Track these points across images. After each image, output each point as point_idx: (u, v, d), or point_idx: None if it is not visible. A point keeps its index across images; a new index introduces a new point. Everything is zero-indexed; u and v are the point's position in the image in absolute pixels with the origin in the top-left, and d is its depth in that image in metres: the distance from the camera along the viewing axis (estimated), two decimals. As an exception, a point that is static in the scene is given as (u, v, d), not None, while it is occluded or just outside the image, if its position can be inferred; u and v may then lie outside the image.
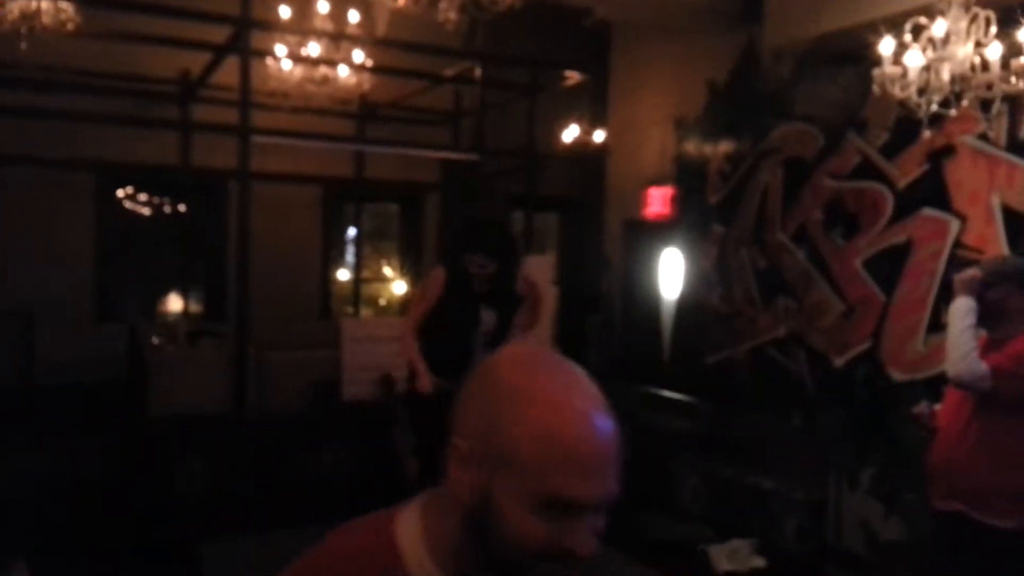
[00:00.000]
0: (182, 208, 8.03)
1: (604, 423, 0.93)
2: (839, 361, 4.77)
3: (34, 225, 6.92)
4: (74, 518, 4.63)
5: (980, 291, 2.92)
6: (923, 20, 3.08)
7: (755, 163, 5.45)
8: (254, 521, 4.57)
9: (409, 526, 0.99)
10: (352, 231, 8.93)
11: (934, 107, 3.15)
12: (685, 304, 6.01)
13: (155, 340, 5.89)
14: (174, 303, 8.02)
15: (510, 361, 0.97)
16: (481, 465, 0.91)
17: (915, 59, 3.08)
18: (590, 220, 7.17)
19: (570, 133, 6.62)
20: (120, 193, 7.85)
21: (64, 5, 4.39)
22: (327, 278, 8.57)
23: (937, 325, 4.21)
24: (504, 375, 0.95)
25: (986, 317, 2.90)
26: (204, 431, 5.11)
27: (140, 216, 8.05)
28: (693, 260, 5.94)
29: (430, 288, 4.02)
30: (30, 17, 4.07)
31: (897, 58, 3.14)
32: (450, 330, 3.90)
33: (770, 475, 4.71)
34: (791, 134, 5.17)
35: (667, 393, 5.83)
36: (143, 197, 8.04)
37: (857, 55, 4.59)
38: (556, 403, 0.92)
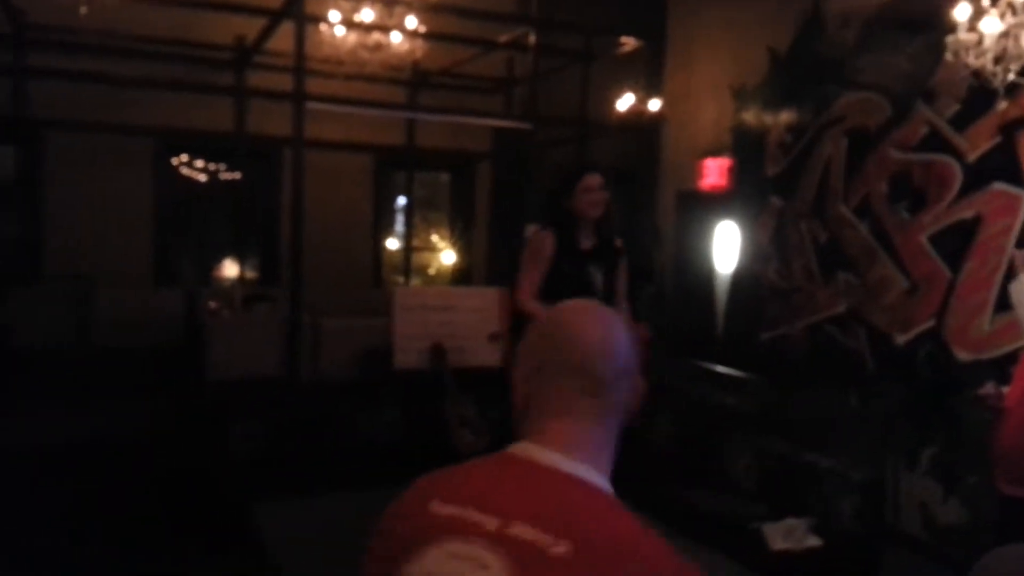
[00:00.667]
0: (238, 175, 8.13)
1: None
2: (901, 339, 4.64)
3: (93, 191, 7.07)
4: (132, 478, 4.76)
5: None
6: (1003, -17, 2.93)
7: (817, 134, 5.29)
8: (306, 483, 4.64)
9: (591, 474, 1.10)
10: (402, 200, 8.94)
11: (1011, 76, 3.01)
12: (740, 278, 5.90)
13: (212, 305, 5.99)
14: (230, 269, 8.15)
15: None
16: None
17: (993, 25, 2.94)
18: (644, 191, 7.06)
19: (625, 102, 6.50)
20: (176, 160, 7.96)
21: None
22: (378, 246, 8.62)
23: (1005, 304, 4.07)
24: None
25: None
26: (258, 394, 5.20)
27: (197, 182, 8.17)
28: (749, 233, 5.82)
29: (542, 250, 3.74)
30: (91, -18, 4.10)
31: (973, 24, 3.00)
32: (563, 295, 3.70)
33: (826, 454, 4.62)
34: (856, 104, 5.00)
35: (720, 368, 5.75)
36: (199, 164, 8.15)
37: (927, 21, 4.42)
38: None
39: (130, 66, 6.58)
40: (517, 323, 3.92)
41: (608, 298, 3.78)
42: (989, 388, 2.99)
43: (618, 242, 4.02)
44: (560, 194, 3.78)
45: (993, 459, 2.95)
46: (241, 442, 5.08)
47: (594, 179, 3.72)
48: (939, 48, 3.16)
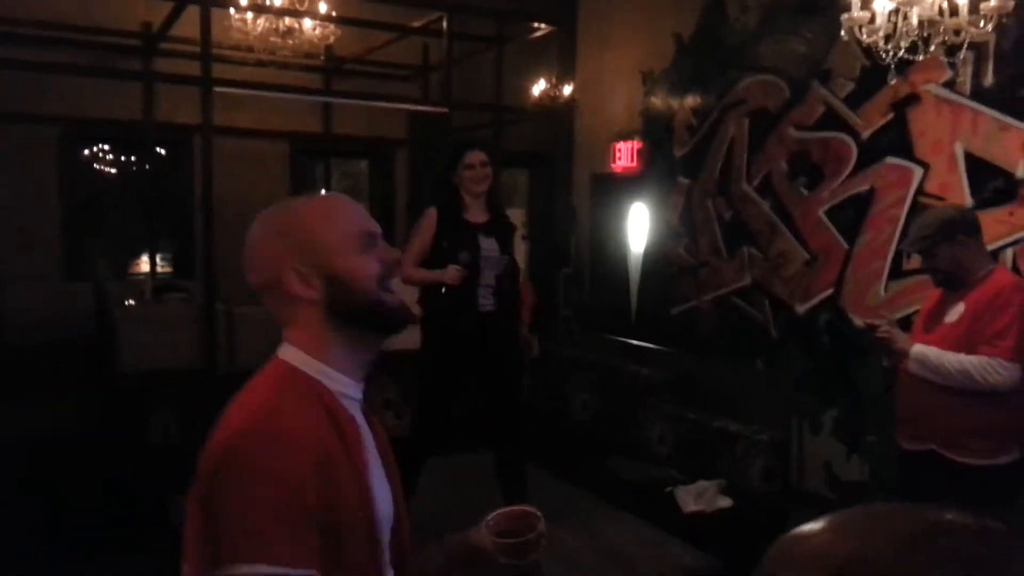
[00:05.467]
0: (148, 166, 7.90)
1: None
2: (802, 308, 4.87)
3: (-2, 182, 6.78)
4: (46, 473, 4.62)
5: (928, 265, 2.95)
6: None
7: (721, 116, 5.48)
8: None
9: (294, 355, 1.20)
10: (323, 192, 8.86)
11: (901, 53, 3.18)
12: (652, 256, 6.08)
13: (129, 301, 5.83)
14: (143, 262, 7.94)
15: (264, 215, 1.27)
16: (305, 264, 1.20)
17: (884, 3, 3.10)
18: (559, 175, 7.18)
19: (538, 87, 6.60)
20: (85, 150, 7.70)
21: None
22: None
23: (899, 272, 4.31)
24: (270, 218, 1.26)
25: (948, 282, 2.91)
26: (174, 386, 5.10)
27: (106, 173, 7.92)
28: (660, 213, 6.00)
29: (423, 228, 3.87)
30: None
31: (866, 3, 3.16)
32: (449, 265, 3.74)
33: (736, 419, 4.83)
34: (756, 86, 5.21)
35: (634, 342, 5.92)
36: (108, 156, 7.90)
37: (822, 4, 4.63)
38: (315, 199, 1.32)
39: (34, 52, 6.33)
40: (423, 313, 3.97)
41: (506, 277, 3.88)
42: (883, 324, 3.06)
43: (508, 216, 4.15)
44: (447, 172, 3.88)
45: (895, 417, 3.08)
46: (158, 434, 4.98)
47: (475, 156, 3.84)
48: (834, 30, 3.29)
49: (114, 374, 5.27)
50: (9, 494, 4.22)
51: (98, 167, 7.89)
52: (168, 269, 8.09)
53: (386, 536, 1.20)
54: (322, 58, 7.40)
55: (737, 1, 5.34)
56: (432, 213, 3.87)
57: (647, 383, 5.40)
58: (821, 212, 4.76)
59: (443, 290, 3.75)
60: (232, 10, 5.67)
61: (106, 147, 7.88)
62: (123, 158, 7.98)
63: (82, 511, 4.23)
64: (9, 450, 4.62)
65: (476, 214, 3.86)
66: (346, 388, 1.22)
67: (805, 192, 4.87)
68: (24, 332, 6.35)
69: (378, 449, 1.27)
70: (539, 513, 1.31)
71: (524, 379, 4.37)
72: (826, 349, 4.68)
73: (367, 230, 1.24)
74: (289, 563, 1.03)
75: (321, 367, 1.20)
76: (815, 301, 4.79)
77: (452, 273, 3.71)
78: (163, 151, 7.97)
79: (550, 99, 6.56)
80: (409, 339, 5.29)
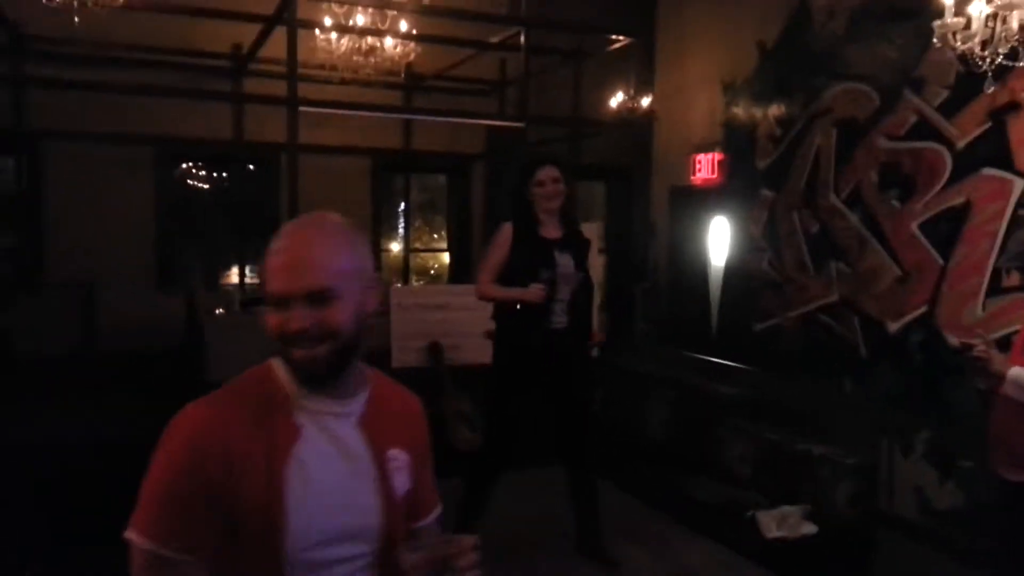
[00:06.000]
0: (238, 182, 8.18)
1: (305, 235, 1.28)
2: (894, 327, 4.66)
3: (94, 199, 7.12)
4: (133, 482, 4.79)
5: None
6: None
7: (807, 125, 5.32)
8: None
9: (279, 361, 1.29)
10: (404, 204, 9.04)
11: (999, 60, 3.02)
12: (733, 271, 5.93)
13: (219, 311, 6.03)
14: (233, 274, 8.23)
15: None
16: None
17: (980, 7, 2.95)
18: (637, 188, 7.10)
19: (616, 100, 6.54)
20: (177, 168, 8.03)
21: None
22: (378, 249, 8.67)
23: (998, 289, 4.09)
24: None
25: None
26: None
27: (198, 189, 8.23)
28: (742, 226, 5.85)
29: (498, 243, 3.82)
30: (82, -10, 4.15)
31: (960, 8, 3.02)
32: (526, 281, 3.69)
33: (821, 441, 4.64)
34: (844, 94, 5.04)
35: (714, 359, 5.78)
36: (200, 172, 8.21)
37: (913, 9, 4.45)
38: (280, 232, 1.29)
39: (128, 75, 6.63)
40: (495, 328, 3.96)
41: (581, 291, 3.83)
42: (979, 344, 2.87)
43: (582, 232, 4.09)
44: (519, 188, 3.86)
45: (990, 444, 2.88)
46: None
47: (545, 172, 3.78)
48: (926, 36, 3.16)
49: (202, 383, 5.45)
50: (89, 501, 4.39)
51: (191, 183, 8.21)
52: (257, 281, 8.36)
53: (300, 547, 1.20)
54: (402, 75, 7.52)
55: (823, 7, 5.19)
56: (507, 228, 3.83)
57: (727, 401, 5.25)
58: (914, 226, 4.56)
59: (518, 307, 3.73)
60: (317, 31, 5.83)
61: (197, 165, 8.19)
62: (214, 174, 8.28)
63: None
64: (91, 456, 4.80)
65: (550, 229, 3.83)
66: (318, 404, 1.27)
67: (897, 205, 4.67)
68: (119, 339, 6.62)
69: (372, 461, 1.30)
70: (473, 543, 1.24)
71: (595, 395, 4.30)
72: (919, 369, 4.47)
73: (276, 292, 1.24)
74: (149, 537, 1.18)
75: (284, 375, 1.28)
76: (908, 319, 4.58)
77: (536, 293, 3.65)
78: (252, 167, 8.24)
79: (628, 111, 6.49)
80: (481, 353, 5.32)
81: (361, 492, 1.28)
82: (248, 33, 6.75)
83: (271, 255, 1.26)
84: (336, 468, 1.26)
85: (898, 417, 4.50)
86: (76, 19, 4.58)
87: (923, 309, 4.49)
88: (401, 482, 1.34)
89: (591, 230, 6.64)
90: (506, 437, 3.87)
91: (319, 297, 1.22)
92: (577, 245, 3.88)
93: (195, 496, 1.17)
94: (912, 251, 4.58)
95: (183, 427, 1.23)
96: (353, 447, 1.29)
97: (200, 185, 8.25)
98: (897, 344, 4.63)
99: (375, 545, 1.28)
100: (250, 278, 8.26)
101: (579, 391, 3.90)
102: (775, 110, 5.58)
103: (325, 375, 1.25)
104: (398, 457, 1.34)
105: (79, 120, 6.68)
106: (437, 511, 1.49)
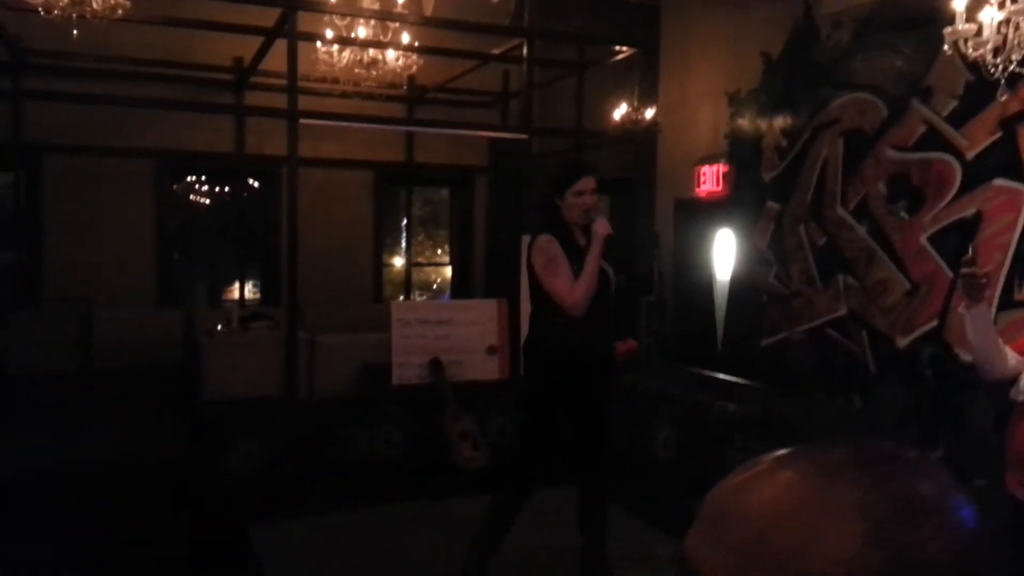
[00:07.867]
0: (239, 196, 8.15)
1: None
2: (903, 341, 4.57)
3: (94, 213, 7.08)
4: (131, 499, 4.72)
5: None
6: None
7: (813, 136, 5.24)
8: (304, 502, 4.60)
9: None
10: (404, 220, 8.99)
11: (1012, 67, 2.95)
12: (739, 285, 5.84)
13: (219, 327, 5.96)
14: (233, 289, 8.17)
15: None
16: None
17: (992, 14, 2.88)
18: (641, 200, 7.02)
19: (620, 111, 6.48)
20: (179, 182, 7.99)
21: (113, -10, 4.43)
22: (380, 263, 8.61)
23: (1010, 302, 4.00)
24: None
25: None
26: (256, 413, 5.16)
27: (199, 204, 8.19)
28: (747, 239, 5.76)
29: (558, 255, 3.60)
30: (80, 3, 4.12)
31: (971, 14, 2.95)
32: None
33: (830, 459, 4.54)
34: (851, 105, 4.96)
35: (720, 375, 5.68)
36: (202, 187, 8.18)
37: (920, 19, 4.38)
38: None
39: (129, 89, 6.61)
40: (530, 343, 3.82)
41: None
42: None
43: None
44: (551, 194, 3.73)
45: (1007, 461, 2.78)
46: (239, 462, 5.04)
47: (588, 182, 3.65)
48: (934, 45, 3.10)
49: (199, 400, 5.37)
50: (91, 517, 4.32)
51: (191, 197, 8.17)
52: (258, 296, 8.29)
53: None
54: (404, 88, 7.49)
55: (829, 17, 5.12)
56: (552, 240, 3.65)
57: (734, 419, 5.15)
58: (923, 238, 4.47)
59: (558, 320, 3.63)
60: (319, 43, 5.79)
61: (199, 178, 8.16)
62: (215, 188, 8.24)
63: (163, 536, 4.29)
64: (91, 473, 4.74)
65: (579, 237, 3.75)
66: None
67: (905, 216, 4.58)
68: (115, 356, 6.56)
69: None
70: None
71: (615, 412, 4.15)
72: (930, 384, 4.37)
73: None
74: None
75: None
76: (918, 333, 4.48)
77: (602, 225, 3.61)
78: (254, 181, 8.20)
79: (632, 123, 6.43)
80: (484, 370, 5.25)
81: None
82: (249, 46, 6.72)
83: None
84: None
85: (908, 434, 4.40)
86: (75, 32, 4.54)
87: (933, 323, 4.40)
88: None
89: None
90: (548, 453, 3.75)
91: None
92: (610, 251, 3.80)
93: None
94: (922, 264, 4.49)
95: None
96: None
97: (201, 200, 8.22)
98: (907, 359, 4.53)
99: None
100: (252, 293, 8.20)
101: (607, 406, 3.79)
102: (781, 121, 5.50)
103: None
104: None
105: (79, 134, 6.67)
106: None
